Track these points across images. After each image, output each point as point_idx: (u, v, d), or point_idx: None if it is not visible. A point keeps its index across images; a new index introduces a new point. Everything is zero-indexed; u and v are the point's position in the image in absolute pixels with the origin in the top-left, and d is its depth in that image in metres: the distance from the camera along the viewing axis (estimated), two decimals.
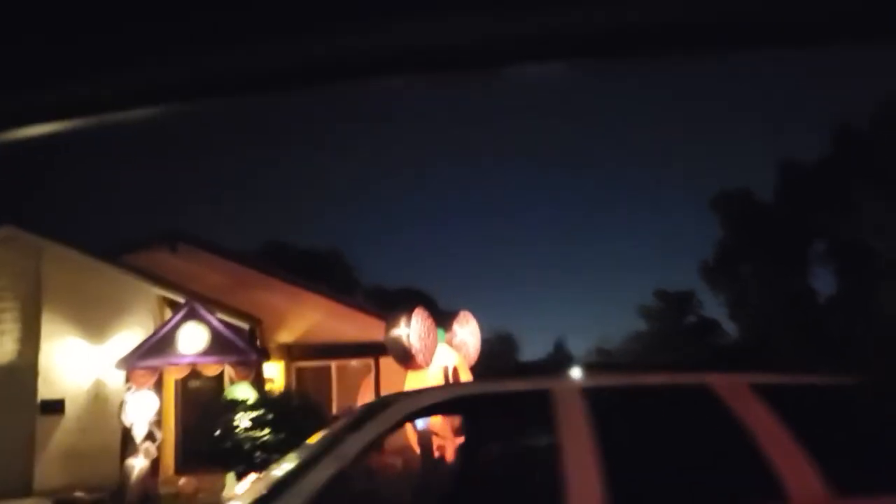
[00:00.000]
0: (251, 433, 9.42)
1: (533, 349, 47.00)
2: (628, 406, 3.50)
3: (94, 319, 14.27)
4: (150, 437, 11.60)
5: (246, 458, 9.28)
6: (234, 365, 12.11)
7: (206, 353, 12.08)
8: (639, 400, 3.54)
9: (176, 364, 12.06)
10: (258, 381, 12.17)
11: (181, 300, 14.48)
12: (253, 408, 9.69)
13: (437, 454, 3.57)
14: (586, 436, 3.17)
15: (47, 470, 13.55)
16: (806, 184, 27.12)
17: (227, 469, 10.87)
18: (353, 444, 3.20)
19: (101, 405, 13.97)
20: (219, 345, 12.10)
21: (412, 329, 14.38)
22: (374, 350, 17.71)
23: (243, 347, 12.23)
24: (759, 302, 29.45)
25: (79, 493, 11.73)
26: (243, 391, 11.59)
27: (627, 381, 3.77)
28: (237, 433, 9.43)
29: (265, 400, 9.76)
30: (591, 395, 3.33)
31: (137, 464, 11.47)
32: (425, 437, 3.59)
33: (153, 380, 11.93)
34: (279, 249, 30.45)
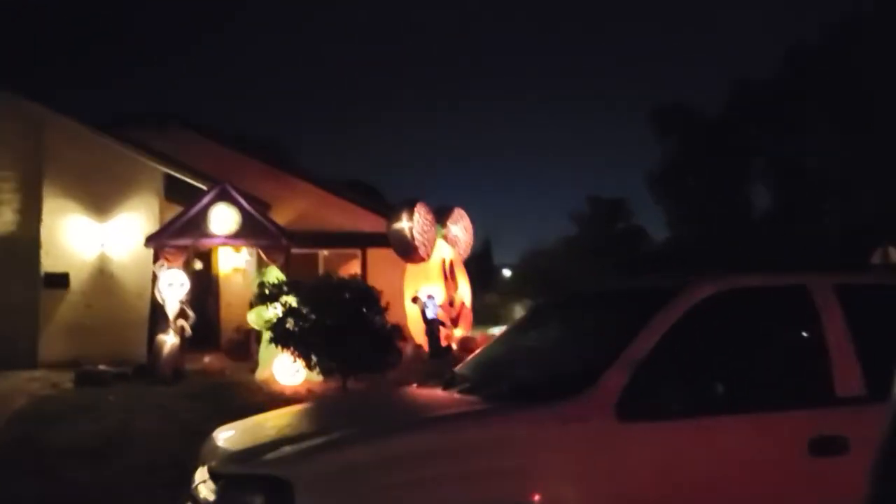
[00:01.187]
0: (305, 315, 9.70)
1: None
2: (875, 299, 4.01)
3: (97, 194, 13.93)
4: (182, 315, 11.69)
5: (305, 341, 9.60)
6: (264, 249, 12.21)
7: (237, 235, 12.11)
8: (885, 294, 4.07)
9: (206, 244, 12.06)
10: (286, 266, 12.35)
11: (188, 180, 14.33)
12: (308, 291, 9.95)
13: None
14: (842, 323, 3.70)
15: (52, 343, 13.47)
16: (755, 102, 28.22)
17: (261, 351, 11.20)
18: (664, 319, 3.59)
19: (106, 281, 13.87)
20: (250, 227, 12.13)
21: (415, 223, 14.86)
22: (363, 241, 18.07)
23: (274, 231, 12.32)
24: (697, 212, 31.02)
25: (102, 366, 11.79)
26: (275, 275, 11.78)
27: (871, 279, 4.31)
28: (295, 316, 9.70)
29: (324, 284, 10.02)
30: (842, 289, 3.83)
31: (169, 340, 11.59)
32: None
33: (184, 258, 11.92)
34: None
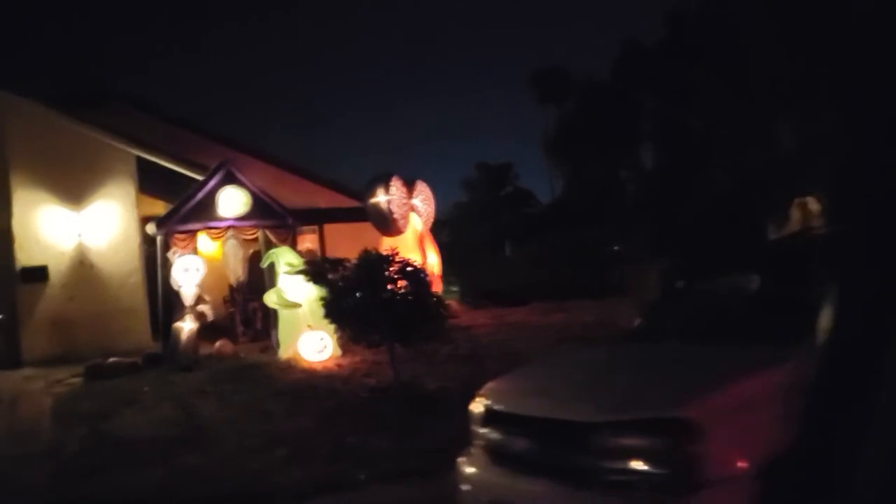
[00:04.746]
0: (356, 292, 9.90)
1: None
2: None
3: (68, 182, 13.29)
4: (199, 301, 11.52)
5: (361, 317, 9.78)
6: (271, 229, 12.18)
7: (245, 217, 12.01)
8: None
9: (215, 228, 11.88)
10: (293, 246, 12.40)
11: (160, 162, 13.92)
12: (358, 268, 10.13)
13: None
14: None
15: (35, 340, 12.87)
16: (643, 64, 29.84)
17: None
18: None
19: (87, 272, 13.32)
20: (257, 209, 12.06)
21: (392, 196, 15.20)
22: (320, 216, 18.13)
23: (280, 212, 12.30)
24: (587, 175, 32.79)
25: (113, 359, 11.45)
26: (288, 255, 11.83)
27: None
28: (347, 293, 9.87)
29: (366, 262, 10.21)
30: None
31: (186, 327, 11.41)
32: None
33: (195, 243, 11.71)
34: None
